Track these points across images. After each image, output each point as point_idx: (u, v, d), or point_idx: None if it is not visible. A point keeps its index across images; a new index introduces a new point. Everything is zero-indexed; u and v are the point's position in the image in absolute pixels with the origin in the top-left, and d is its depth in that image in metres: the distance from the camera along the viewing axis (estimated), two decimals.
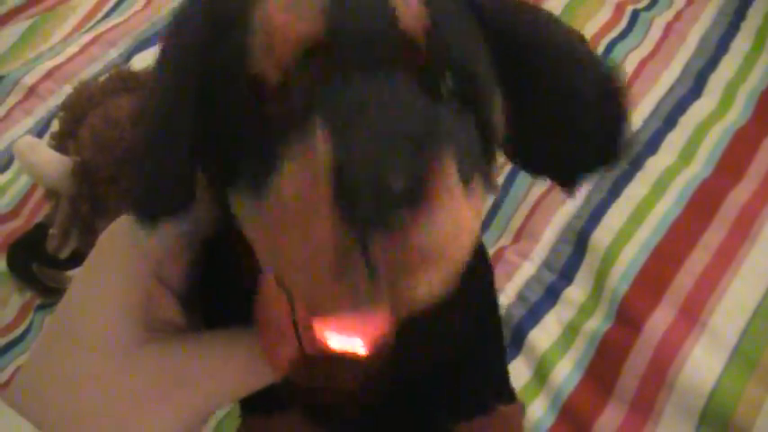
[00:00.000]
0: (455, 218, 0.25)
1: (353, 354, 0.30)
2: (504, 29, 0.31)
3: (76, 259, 0.67)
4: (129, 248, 0.35)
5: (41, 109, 0.94)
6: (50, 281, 0.70)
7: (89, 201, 0.59)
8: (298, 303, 0.31)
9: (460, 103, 0.28)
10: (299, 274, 0.26)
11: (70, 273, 0.69)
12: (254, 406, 0.44)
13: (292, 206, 0.25)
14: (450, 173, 0.26)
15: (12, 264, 0.74)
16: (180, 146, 0.30)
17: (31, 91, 0.95)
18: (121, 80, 0.68)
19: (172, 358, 0.34)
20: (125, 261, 0.35)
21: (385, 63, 0.27)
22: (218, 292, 0.38)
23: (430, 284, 0.25)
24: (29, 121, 0.93)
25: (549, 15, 0.34)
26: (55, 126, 0.68)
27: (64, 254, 0.66)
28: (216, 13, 0.30)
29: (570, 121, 0.32)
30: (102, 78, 0.70)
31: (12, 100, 0.95)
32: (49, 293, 0.74)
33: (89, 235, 0.62)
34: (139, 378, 0.33)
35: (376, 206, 0.24)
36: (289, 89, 0.27)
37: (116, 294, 0.34)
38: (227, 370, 0.34)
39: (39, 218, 0.82)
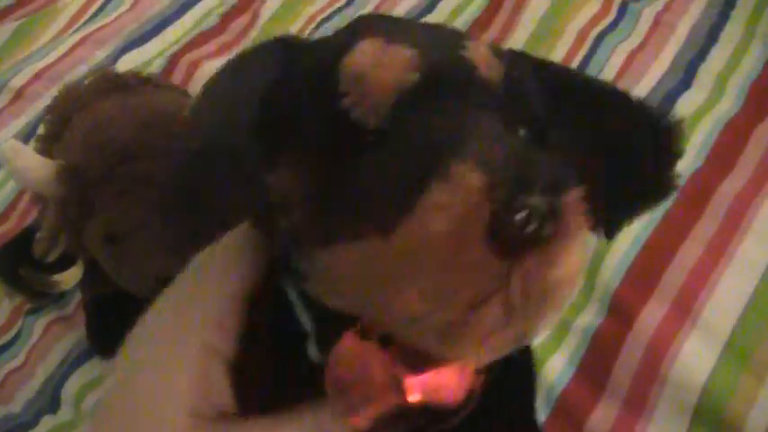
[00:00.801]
0: (579, 258, 0.26)
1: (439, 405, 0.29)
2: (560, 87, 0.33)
3: (63, 262, 0.66)
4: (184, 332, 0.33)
5: (30, 112, 0.93)
6: (38, 285, 0.70)
7: (77, 204, 0.58)
8: (393, 358, 0.29)
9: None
10: (428, 318, 0.25)
11: (57, 276, 0.68)
12: None
13: (439, 242, 0.24)
14: (581, 209, 0.26)
15: None
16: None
17: (19, 94, 0.95)
18: (107, 81, 0.68)
19: None
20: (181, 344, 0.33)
21: (473, 106, 0.28)
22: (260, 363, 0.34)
23: (550, 319, 0.26)
24: (17, 124, 0.93)
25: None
26: (41, 129, 0.67)
27: (52, 257, 0.65)
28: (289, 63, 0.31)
29: (625, 169, 0.33)
30: (87, 80, 0.70)
31: None
32: (38, 297, 0.74)
33: (77, 238, 0.61)
34: None
35: (525, 235, 0.24)
36: (388, 134, 0.28)
37: (170, 382, 0.32)
38: None
39: (28, 222, 0.82)
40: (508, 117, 0.28)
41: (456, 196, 0.24)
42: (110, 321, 0.72)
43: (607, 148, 0.33)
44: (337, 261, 0.27)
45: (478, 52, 0.30)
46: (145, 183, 0.56)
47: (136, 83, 0.67)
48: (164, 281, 0.48)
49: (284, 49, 0.31)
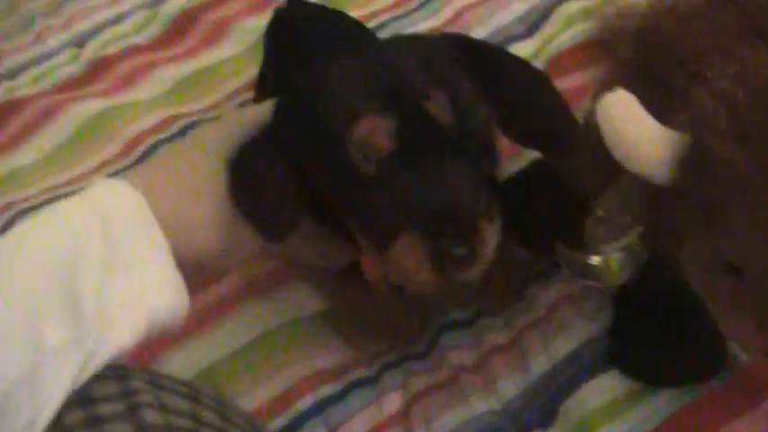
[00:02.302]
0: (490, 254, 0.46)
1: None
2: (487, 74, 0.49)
3: None
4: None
5: None
6: (573, 265, 0.57)
7: (696, 205, 0.43)
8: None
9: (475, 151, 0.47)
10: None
11: (596, 261, 0.55)
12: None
13: (402, 265, 0.45)
14: (488, 233, 0.45)
15: None
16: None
17: None
18: None
19: None
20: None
21: (438, 154, 0.45)
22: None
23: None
24: None
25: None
26: None
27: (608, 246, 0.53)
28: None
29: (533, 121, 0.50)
30: None
31: None
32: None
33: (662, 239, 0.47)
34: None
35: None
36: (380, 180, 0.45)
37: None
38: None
39: None
40: (458, 149, 0.45)
41: (409, 247, 0.45)
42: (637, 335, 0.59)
43: (519, 105, 0.50)
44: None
45: (437, 102, 0.45)
46: None
47: None
48: None
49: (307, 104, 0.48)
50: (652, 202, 0.48)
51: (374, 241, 0.47)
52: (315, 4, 0.73)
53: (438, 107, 0.45)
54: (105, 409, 0.42)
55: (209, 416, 0.47)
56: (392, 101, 0.45)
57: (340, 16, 0.64)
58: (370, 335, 0.66)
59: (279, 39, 0.64)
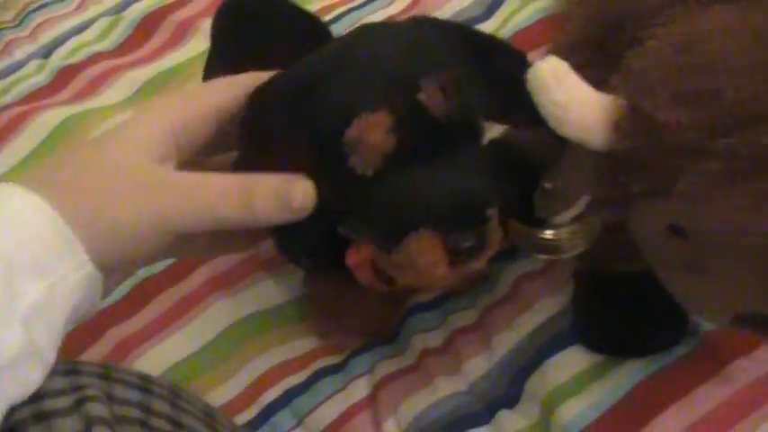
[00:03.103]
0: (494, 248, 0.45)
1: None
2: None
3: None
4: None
5: None
6: (525, 240, 0.56)
7: (641, 170, 0.42)
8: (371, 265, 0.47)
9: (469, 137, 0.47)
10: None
11: (550, 234, 0.54)
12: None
13: (416, 263, 0.44)
14: (495, 224, 0.45)
15: None
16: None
17: None
18: None
19: None
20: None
21: (435, 147, 0.44)
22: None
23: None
24: None
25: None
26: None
27: (560, 218, 0.51)
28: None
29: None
30: None
31: None
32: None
33: (613, 205, 0.46)
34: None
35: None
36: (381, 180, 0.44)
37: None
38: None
39: None
40: (454, 138, 0.45)
41: (425, 245, 0.43)
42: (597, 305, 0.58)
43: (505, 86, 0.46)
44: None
45: (429, 93, 0.43)
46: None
47: None
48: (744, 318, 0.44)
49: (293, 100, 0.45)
50: (597, 169, 0.47)
51: (378, 243, 0.45)
52: None
53: (430, 98, 0.43)
54: (52, 404, 0.42)
55: (160, 405, 0.47)
56: (382, 95, 0.43)
57: (289, 8, 0.63)
58: (347, 333, 0.65)
59: (227, 29, 0.63)
